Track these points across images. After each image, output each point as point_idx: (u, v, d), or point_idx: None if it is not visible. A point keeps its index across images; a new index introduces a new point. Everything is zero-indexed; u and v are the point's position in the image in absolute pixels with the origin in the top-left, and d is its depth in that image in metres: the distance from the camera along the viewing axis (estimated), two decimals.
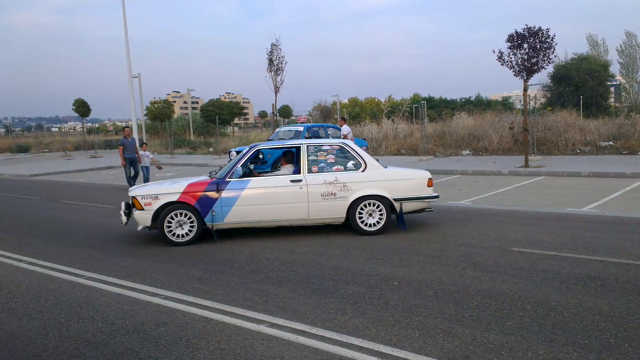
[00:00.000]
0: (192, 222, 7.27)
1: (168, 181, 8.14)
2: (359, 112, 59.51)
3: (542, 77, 47.91)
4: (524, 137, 16.10)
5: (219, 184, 7.34)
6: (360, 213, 7.49)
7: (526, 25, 15.35)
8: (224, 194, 7.30)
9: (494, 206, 9.85)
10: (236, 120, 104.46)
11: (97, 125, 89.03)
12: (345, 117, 16.55)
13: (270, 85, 20.56)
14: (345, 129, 14.49)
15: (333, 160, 7.61)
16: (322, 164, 7.57)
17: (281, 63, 20.61)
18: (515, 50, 15.70)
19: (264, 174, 8.00)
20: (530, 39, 15.34)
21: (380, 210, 7.55)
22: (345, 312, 4.44)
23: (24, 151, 41.34)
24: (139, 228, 7.57)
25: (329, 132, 15.54)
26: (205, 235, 7.51)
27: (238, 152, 14.15)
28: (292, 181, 7.41)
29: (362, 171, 7.57)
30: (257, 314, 4.42)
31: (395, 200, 7.56)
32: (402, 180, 7.70)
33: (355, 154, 7.67)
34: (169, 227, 7.23)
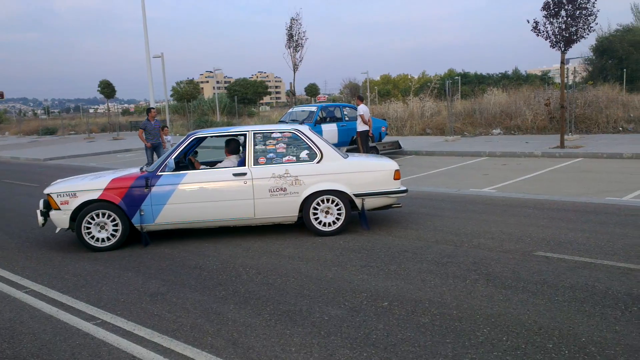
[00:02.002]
0: (115, 223, 6.33)
1: (90, 175, 7.13)
2: (389, 90, 57.86)
3: (583, 49, 45.26)
4: (560, 114, 14.67)
5: (148, 179, 6.37)
6: (315, 211, 6.51)
7: None
8: (155, 190, 6.33)
9: (522, 195, 8.69)
10: (268, 99, 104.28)
11: (132, 106, 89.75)
12: (362, 95, 15.35)
13: (288, 63, 19.50)
14: (362, 108, 13.38)
15: (284, 150, 6.60)
16: (271, 155, 6.56)
17: (301, 39, 19.40)
18: (551, 19, 14.21)
19: (205, 167, 6.98)
20: (568, 6, 13.82)
21: (338, 208, 6.55)
22: (312, 351, 3.49)
23: (51, 133, 41.48)
24: (57, 230, 6.68)
25: (345, 112, 14.45)
26: (185, 233, 6.65)
27: None
28: (235, 175, 6.43)
29: (318, 162, 6.55)
30: (198, 353, 3.51)
31: (356, 195, 6.56)
32: (364, 172, 6.67)
33: (310, 142, 6.63)
34: (89, 229, 6.30)
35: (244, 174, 6.43)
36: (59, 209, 6.34)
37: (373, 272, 5.04)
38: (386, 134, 16.27)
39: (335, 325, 3.84)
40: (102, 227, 6.34)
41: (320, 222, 6.54)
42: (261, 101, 69.86)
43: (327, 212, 6.56)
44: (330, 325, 3.85)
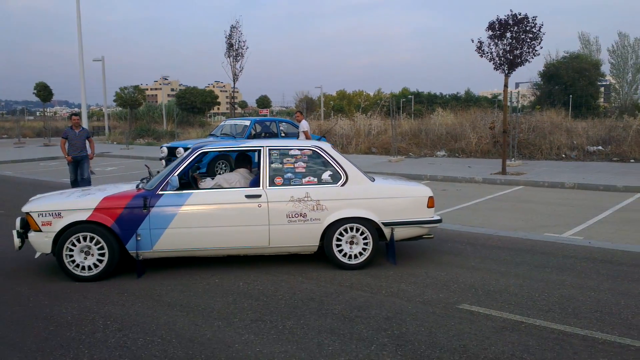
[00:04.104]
0: (101, 249, 5.37)
1: (75, 191, 6.09)
2: (342, 106, 57.57)
3: (532, 74, 46.34)
4: (503, 139, 14.25)
5: (147, 198, 5.43)
6: (338, 240, 5.68)
7: (511, 11, 13.45)
8: (154, 211, 5.42)
9: (457, 227, 7.97)
10: (224, 109, 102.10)
11: (75, 110, 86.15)
12: (302, 110, 14.54)
13: (228, 73, 18.52)
14: (306, 124, 12.54)
15: (303, 170, 5.77)
16: (289, 175, 5.73)
17: (242, 48, 18.55)
18: (496, 41, 13.82)
19: (204, 179, 6.08)
20: (514, 28, 13.46)
21: (364, 238, 5.71)
22: None
23: None
24: (37, 255, 5.60)
25: (282, 128, 13.57)
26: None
27: (171, 149, 12.17)
28: (247, 196, 5.56)
29: (342, 185, 5.74)
30: None
31: (385, 224, 5.74)
32: (394, 198, 5.85)
33: (333, 161, 5.82)
34: (71, 255, 5.35)
35: (259, 195, 5.57)
36: (40, 231, 5.34)
37: (263, 331, 4.11)
38: None
39: None
40: (87, 253, 5.37)
41: (343, 254, 5.72)
42: (213, 110, 68.42)
43: (351, 243, 5.73)
44: None
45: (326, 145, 6.02)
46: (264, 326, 4.20)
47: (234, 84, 18.80)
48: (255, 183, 5.77)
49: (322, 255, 5.86)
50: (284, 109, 66.42)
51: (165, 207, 5.44)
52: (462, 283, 5.26)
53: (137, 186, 5.84)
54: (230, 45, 18.46)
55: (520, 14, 13.29)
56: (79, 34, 21.98)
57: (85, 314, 4.48)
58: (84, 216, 5.33)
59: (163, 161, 12.33)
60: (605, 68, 47.59)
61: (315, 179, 5.75)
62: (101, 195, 5.50)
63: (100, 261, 5.37)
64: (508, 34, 13.21)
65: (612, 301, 4.69)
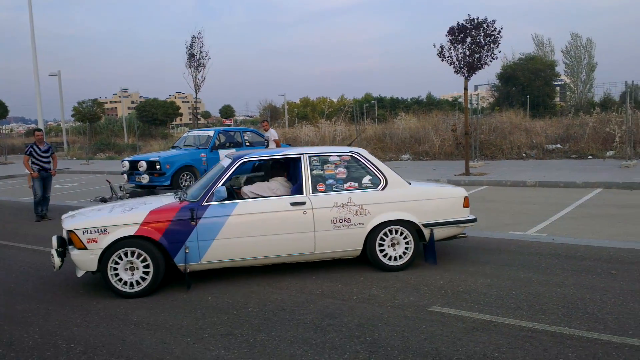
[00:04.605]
0: (146, 264, 5.25)
1: (110, 206, 5.96)
2: (306, 113, 57.65)
3: (490, 77, 47.39)
4: (465, 140, 14.49)
5: (193, 210, 5.35)
6: (381, 243, 5.77)
7: (469, 15, 13.72)
8: (202, 223, 5.35)
9: None
10: (187, 120, 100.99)
11: (33, 126, 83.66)
12: (268, 119, 14.47)
13: (189, 83, 18.28)
14: (274, 133, 12.46)
15: (344, 175, 5.86)
16: (331, 181, 5.80)
17: (203, 58, 18.34)
18: (456, 45, 14.07)
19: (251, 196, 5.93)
20: (473, 32, 13.73)
21: (406, 239, 5.83)
22: None
23: None
24: (80, 274, 5.41)
25: (246, 137, 13.46)
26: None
27: (133, 162, 11.91)
28: (292, 204, 5.57)
29: (382, 189, 5.87)
30: None
31: (425, 225, 5.88)
32: (432, 200, 6.02)
33: (372, 166, 5.95)
34: (116, 270, 5.22)
35: (303, 202, 5.59)
36: (85, 248, 5.16)
37: (234, 345, 4.03)
38: None
39: None
40: (131, 269, 5.26)
41: (386, 256, 5.82)
42: (176, 122, 67.60)
43: (393, 245, 5.85)
44: None
45: (363, 151, 6.17)
46: (235, 340, 4.12)
47: (196, 94, 18.58)
48: (298, 190, 5.80)
49: (294, 264, 5.80)
50: (248, 118, 66.12)
51: (212, 218, 5.40)
52: (432, 285, 5.29)
53: (180, 198, 5.78)
54: (191, 56, 18.24)
55: (478, 19, 13.57)
56: (32, 48, 21.41)
57: (47, 338, 4.31)
58: (131, 231, 5.23)
59: (125, 175, 12.07)
60: (560, 68, 49.08)
61: (356, 184, 5.86)
62: (147, 209, 5.41)
63: (144, 279, 5.28)
64: (468, 39, 13.46)
65: (577, 296, 4.79)
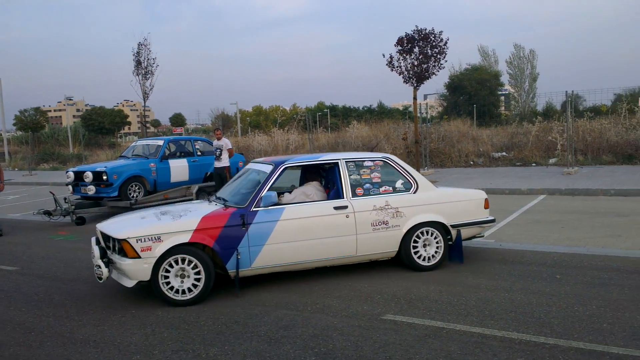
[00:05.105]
0: (197, 271, 5.21)
1: (159, 213, 5.79)
2: (259, 122, 57.42)
3: (439, 86, 48.73)
4: (415, 149, 14.78)
5: (244, 215, 5.40)
6: (414, 245, 6.04)
7: (416, 27, 14.06)
8: (253, 228, 5.42)
9: None
10: (136, 129, 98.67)
11: None
12: (220, 127, 14.31)
13: (137, 91, 17.89)
14: (227, 142, 12.28)
15: (379, 180, 6.12)
16: (367, 185, 6.04)
17: (151, 66, 18.00)
18: (405, 55, 14.38)
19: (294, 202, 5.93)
20: (420, 43, 14.07)
21: (437, 240, 6.15)
22: None
23: None
24: (130, 284, 5.15)
25: (197, 147, 13.23)
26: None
27: (78, 173, 11.51)
28: (335, 208, 5.75)
29: (414, 192, 6.18)
30: None
31: (453, 226, 6.23)
32: (458, 202, 6.39)
33: (403, 171, 6.26)
34: (167, 278, 5.16)
35: (345, 206, 5.79)
36: (139, 257, 5.02)
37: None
38: None
39: None
40: (182, 276, 5.21)
41: (419, 257, 6.10)
42: (124, 130, 65.92)
43: (425, 246, 6.15)
44: None
45: (394, 156, 6.44)
46: (186, 356, 4.03)
47: (145, 102, 18.20)
48: (336, 195, 5.95)
49: (259, 277, 5.74)
50: (200, 126, 65.25)
51: (262, 223, 5.48)
52: (386, 293, 5.34)
53: (225, 204, 5.77)
54: (138, 63, 17.87)
55: (425, 30, 13.93)
56: None
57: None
58: (185, 238, 5.17)
59: (70, 186, 11.65)
60: (505, 78, 50.93)
61: (390, 188, 6.11)
62: (199, 215, 5.38)
63: (195, 286, 5.23)
64: (416, 49, 13.79)
65: (525, 301, 4.94)
